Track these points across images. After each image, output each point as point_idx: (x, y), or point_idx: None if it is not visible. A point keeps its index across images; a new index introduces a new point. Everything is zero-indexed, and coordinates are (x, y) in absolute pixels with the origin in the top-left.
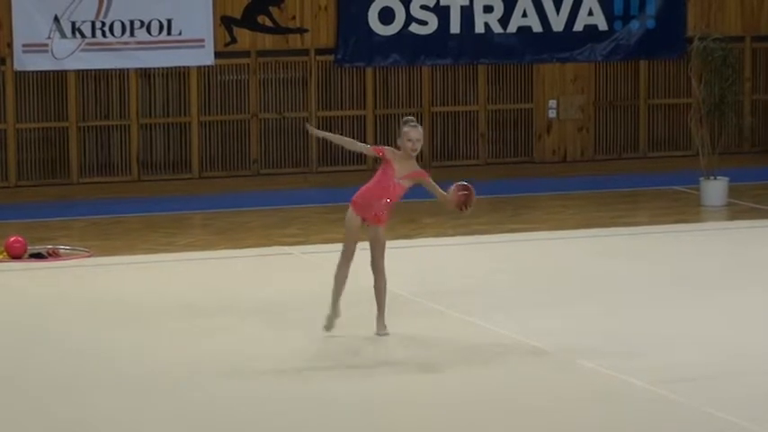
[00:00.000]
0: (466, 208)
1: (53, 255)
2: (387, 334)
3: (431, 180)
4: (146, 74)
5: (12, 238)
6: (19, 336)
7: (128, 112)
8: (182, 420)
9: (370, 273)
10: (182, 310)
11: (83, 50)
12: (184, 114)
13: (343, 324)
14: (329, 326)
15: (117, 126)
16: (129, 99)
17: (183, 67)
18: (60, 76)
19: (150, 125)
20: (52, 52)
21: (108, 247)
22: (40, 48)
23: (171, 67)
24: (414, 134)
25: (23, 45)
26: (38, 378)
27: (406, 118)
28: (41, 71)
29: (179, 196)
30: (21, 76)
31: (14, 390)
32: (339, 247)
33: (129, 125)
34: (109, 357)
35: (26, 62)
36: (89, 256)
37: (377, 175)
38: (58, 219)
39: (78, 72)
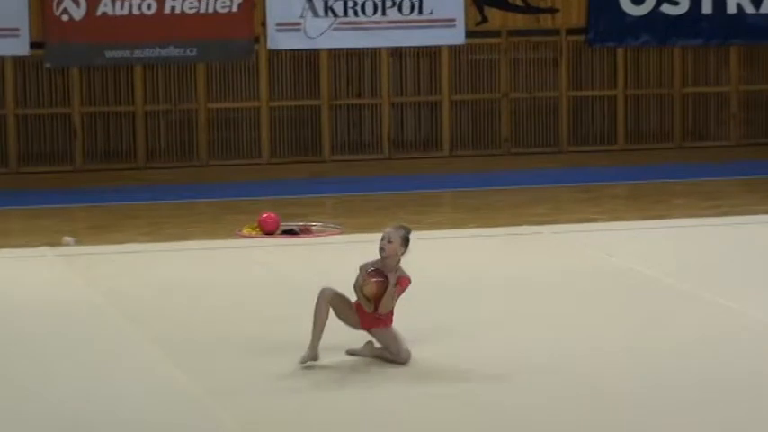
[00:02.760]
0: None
1: (305, 231)
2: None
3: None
4: (397, 53)
5: (265, 215)
6: (273, 311)
7: (379, 91)
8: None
9: None
10: (425, 287)
11: (335, 29)
12: (435, 93)
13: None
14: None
15: (368, 105)
16: (380, 78)
17: (435, 46)
18: (313, 55)
19: (401, 104)
20: (305, 31)
21: (358, 224)
22: (294, 27)
23: (422, 47)
24: (386, 232)
25: (277, 24)
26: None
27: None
28: (294, 50)
29: (430, 175)
30: (274, 54)
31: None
32: (590, 226)
33: (380, 104)
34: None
35: (279, 41)
36: (340, 233)
37: None
38: (310, 196)
39: (330, 51)
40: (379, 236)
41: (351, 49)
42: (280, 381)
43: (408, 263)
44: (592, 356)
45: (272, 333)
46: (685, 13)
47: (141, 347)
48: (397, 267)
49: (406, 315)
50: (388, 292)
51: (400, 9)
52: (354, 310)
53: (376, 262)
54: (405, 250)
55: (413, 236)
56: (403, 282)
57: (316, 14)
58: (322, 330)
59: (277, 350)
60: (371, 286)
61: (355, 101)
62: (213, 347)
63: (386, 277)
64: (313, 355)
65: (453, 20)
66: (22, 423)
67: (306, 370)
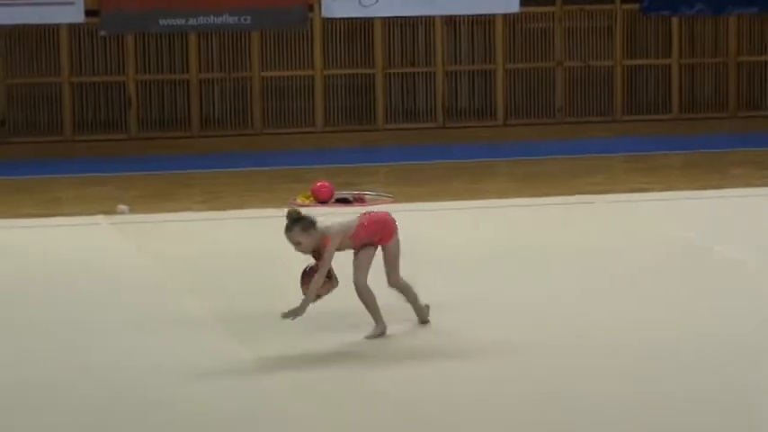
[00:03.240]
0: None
1: (358, 200)
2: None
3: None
4: (451, 21)
5: (319, 183)
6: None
7: (433, 60)
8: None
9: None
10: (481, 256)
11: None
12: (490, 62)
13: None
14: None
15: (422, 73)
16: (434, 46)
17: (489, 14)
18: (367, 23)
19: (455, 72)
20: (359, 0)
21: (411, 193)
22: None
23: (476, 15)
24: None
25: None
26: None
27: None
28: (349, 18)
29: (484, 143)
30: (329, 23)
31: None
32: (643, 196)
33: (434, 72)
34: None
35: (334, 9)
36: (393, 202)
37: None
38: (364, 164)
39: (385, 19)
40: (432, 205)
41: (405, 17)
42: (328, 350)
43: (463, 230)
44: (650, 329)
45: (323, 304)
46: None
47: (193, 315)
48: (322, 240)
49: (455, 284)
50: (315, 279)
51: None
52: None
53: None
54: (311, 227)
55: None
56: (326, 243)
57: None
58: (377, 305)
59: (327, 322)
60: (317, 290)
61: (409, 69)
62: (265, 316)
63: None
64: (382, 329)
65: None
66: (80, 374)
67: (366, 342)
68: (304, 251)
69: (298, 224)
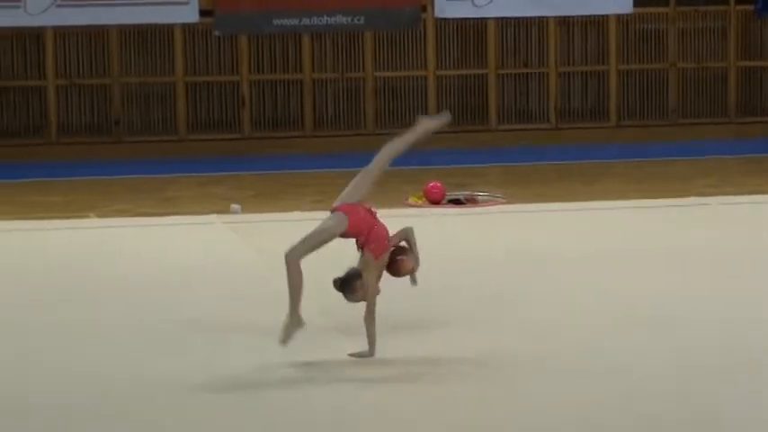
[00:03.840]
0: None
1: (471, 201)
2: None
3: None
4: (565, 22)
5: (431, 184)
6: (435, 282)
7: (546, 60)
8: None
9: None
10: (593, 258)
11: None
12: (603, 63)
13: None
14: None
15: (535, 74)
16: (547, 47)
17: (602, 15)
18: (480, 23)
19: (568, 73)
20: (472, 0)
21: (524, 194)
22: None
23: (590, 16)
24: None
25: None
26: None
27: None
28: (461, 18)
29: (597, 144)
30: (441, 23)
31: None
32: (759, 198)
33: (547, 73)
34: (513, 300)
35: (447, 9)
36: (506, 203)
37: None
38: (476, 165)
39: (498, 20)
40: (544, 206)
41: (518, 17)
42: (428, 357)
43: (575, 232)
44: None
45: (431, 305)
46: None
47: (314, 321)
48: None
49: (571, 286)
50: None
51: None
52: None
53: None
54: (355, 281)
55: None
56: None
57: None
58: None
59: (433, 324)
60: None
61: (522, 70)
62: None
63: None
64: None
65: None
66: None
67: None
68: (365, 294)
69: (347, 289)
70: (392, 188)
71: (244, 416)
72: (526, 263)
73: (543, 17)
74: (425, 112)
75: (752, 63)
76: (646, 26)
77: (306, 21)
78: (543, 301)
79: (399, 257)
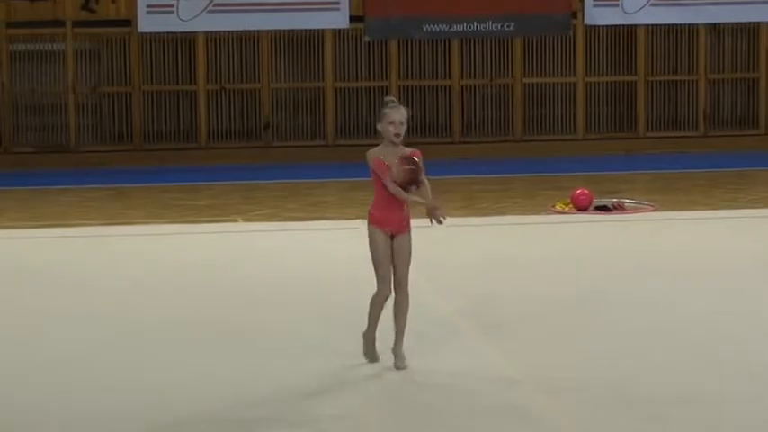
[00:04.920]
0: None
1: (618, 208)
2: (405, 367)
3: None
4: (715, 29)
5: (578, 191)
6: (582, 288)
7: (695, 68)
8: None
9: None
10: (743, 267)
11: (653, 5)
12: (753, 71)
13: None
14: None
15: (684, 81)
16: (697, 54)
17: (753, 22)
18: (630, 30)
19: (718, 81)
20: (623, 6)
21: (672, 201)
22: (611, 2)
23: (740, 23)
24: (396, 116)
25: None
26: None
27: (387, 98)
28: (611, 25)
29: (745, 152)
30: (591, 30)
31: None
32: None
33: (696, 80)
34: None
35: (596, 16)
36: (653, 210)
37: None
38: (624, 172)
39: (648, 27)
40: (693, 214)
41: (668, 24)
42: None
43: (723, 240)
44: None
45: (565, 312)
46: None
47: (451, 322)
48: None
49: (718, 295)
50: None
51: None
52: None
53: (389, 150)
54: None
55: None
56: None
57: None
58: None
59: (575, 330)
60: (404, 173)
61: (671, 77)
62: (524, 324)
63: (414, 164)
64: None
65: None
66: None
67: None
68: (395, 143)
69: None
70: (538, 194)
71: None
72: (671, 273)
73: (693, 24)
74: (573, 119)
75: None
76: None
77: (456, 27)
78: (691, 313)
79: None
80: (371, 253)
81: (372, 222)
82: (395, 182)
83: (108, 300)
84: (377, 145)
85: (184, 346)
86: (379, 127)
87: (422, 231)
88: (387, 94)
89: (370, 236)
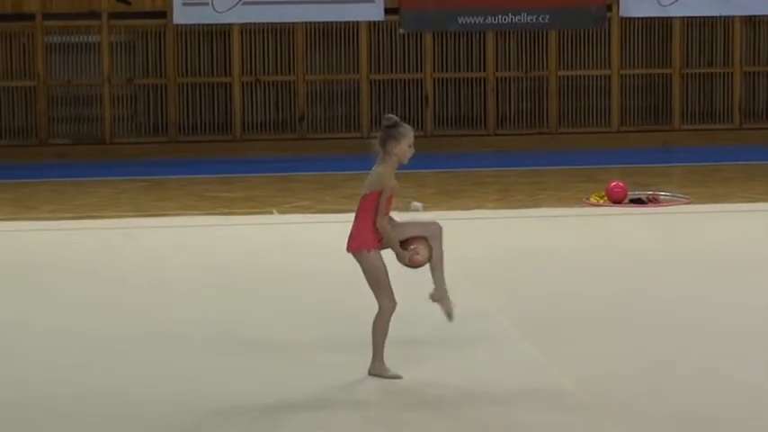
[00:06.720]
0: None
1: (653, 201)
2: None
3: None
4: (751, 21)
5: (613, 183)
6: (615, 283)
7: (731, 60)
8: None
9: None
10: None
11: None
12: None
13: None
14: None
15: (720, 74)
16: (732, 46)
17: None
18: (664, 22)
19: (754, 73)
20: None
21: (707, 194)
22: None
23: None
24: (412, 137)
25: None
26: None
27: (390, 116)
28: (646, 17)
29: None
30: (626, 22)
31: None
32: None
33: (732, 73)
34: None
35: (632, 8)
36: (688, 203)
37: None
38: (659, 164)
39: (683, 19)
40: (727, 206)
41: (703, 17)
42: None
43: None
44: None
45: (612, 306)
46: None
47: (487, 315)
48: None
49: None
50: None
51: None
52: None
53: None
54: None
55: None
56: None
57: None
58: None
59: (619, 322)
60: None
61: (707, 69)
62: (561, 316)
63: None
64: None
65: None
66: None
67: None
68: (400, 162)
69: (393, 132)
70: (573, 187)
71: None
72: (707, 266)
73: (729, 16)
74: (608, 111)
75: None
76: None
77: (490, 19)
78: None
79: (413, 247)
80: (379, 280)
81: (373, 248)
82: (393, 247)
83: (141, 294)
84: (415, 137)
85: (211, 349)
86: (392, 146)
87: (457, 224)
88: (422, 87)
89: (374, 264)
